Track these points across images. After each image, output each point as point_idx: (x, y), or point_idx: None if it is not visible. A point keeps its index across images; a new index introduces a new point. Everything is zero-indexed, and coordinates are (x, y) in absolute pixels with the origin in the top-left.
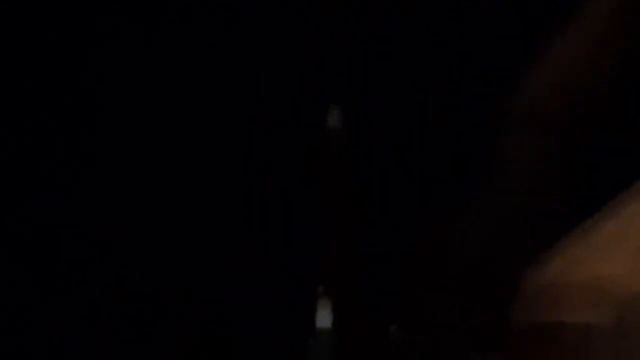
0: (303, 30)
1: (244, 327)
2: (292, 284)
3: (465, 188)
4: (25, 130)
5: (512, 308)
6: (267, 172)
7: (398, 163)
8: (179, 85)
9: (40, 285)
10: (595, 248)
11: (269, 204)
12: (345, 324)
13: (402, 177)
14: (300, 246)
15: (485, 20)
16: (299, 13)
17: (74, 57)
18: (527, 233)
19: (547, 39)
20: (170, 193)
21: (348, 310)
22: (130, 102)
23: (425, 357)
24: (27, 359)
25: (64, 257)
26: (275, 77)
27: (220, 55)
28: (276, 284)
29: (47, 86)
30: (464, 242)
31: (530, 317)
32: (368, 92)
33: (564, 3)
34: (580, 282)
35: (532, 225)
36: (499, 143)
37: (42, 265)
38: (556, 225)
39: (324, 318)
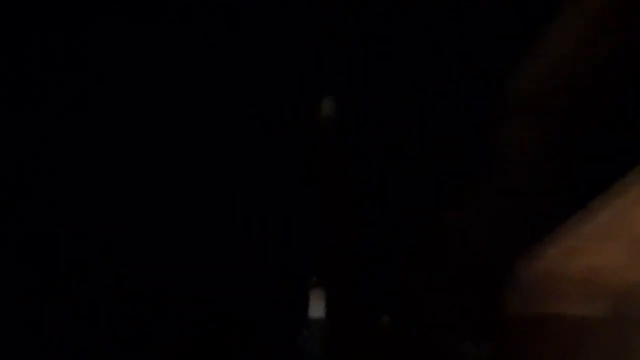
0: (297, 22)
1: (238, 317)
2: (285, 275)
3: (460, 179)
4: (25, 130)
5: (506, 299)
6: (261, 163)
7: (392, 154)
8: (174, 80)
9: (40, 285)
10: (590, 239)
11: (262, 195)
12: (338, 314)
13: (396, 168)
14: (293, 237)
15: (481, 11)
16: (293, 5)
17: (73, 58)
18: (522, 223)
19: (542, 29)
20: (166, 183)
21: (341, 301)
22: (125, 94)
23: (417, 347)
24: (27, 359)
25: (63, 257)
26: (269, 68)
27: (214, 47)
28: (269, 275)
29: (47, 86)
30: (458, 233)
31: (525, 309)
32: (361, 83)
33: None
34: (575, 273)
35: (527, 216)
36: (494, 134)
37: (41, 265)
38: (551, 216)
39: (316, 308)
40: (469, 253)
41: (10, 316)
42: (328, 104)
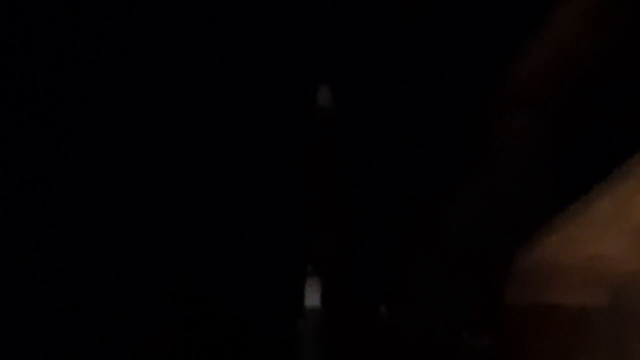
0: (294, 10)
1: (234, 305)
2: (281, 263)
3: (457, 167)
4: (24, 130)
5: (505, 288)
6: (257, 151)
7: (388, 142)
8: (171, 74)
9: (38, 285)
10: (590, 227)
11: (257, 183)
12: (334, 303)
13: (392, 156)
14: (289, 225)
15: (479, 0)
16: None
17: (72, 58)
18: (520, 213)
19: (541, 20)
20: (160, 171)
21: (337, 290)
22: (121, 93)
23: (414, 337)
24: (27, 359)
25: (62, 257)
26: (266, 56)
27: (209, 34)
28: (265, 263)
29: (46, 87)
30: (456, 221)
31: (524, 298)
32: (358, 71)
33: None
34: (574, 262)
35: (525, 205)
36: (492, 122)
37: (40, 264)
38: (550, 204)
39: (312, 297)
40: (466, 243)
41: (9, 316)
42: (324, 93)
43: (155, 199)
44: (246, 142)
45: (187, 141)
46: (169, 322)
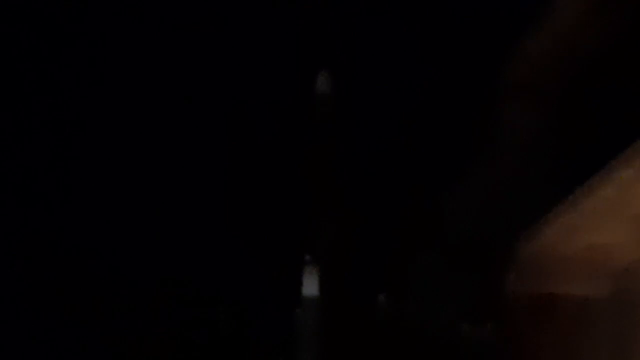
0: None
1: (233, 295)
2: (279, 252)
3: (458, 158)
4: (24, 131)
5: (506, 278)
6: (255, 142)
7: (388, 131)
8: (170, 63)
9: (37, 285)
10: (591, 216)
11: (256, 171)
12: (332, 293)
13: (392, 146)
14: (287, 214)
15: None
16: None
17: (73, 59)
18: (521, 201)
19: (541, 9)
20: (159, 161)
21: (335, 279)
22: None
23: (414, 327)
24: (26, 358)
25: (62, 257)
26: (266, 43)
27: (209, 22)
28: (263, 252)
29: (44, 87)
30: (457, 211)
31: (525, 289)
32: (358, 58)
33: None
34: (575, 252)
35: (526, 194)
36: (493, 111)
37: (39, 264)
38: (550, 193)
39: (310, 286)
40: (467, 232)
41: (8, 316)
42: (324, 79)
43: (154, 189)
44: (244, 133)
45: (185, 129)
46: (166, 312)
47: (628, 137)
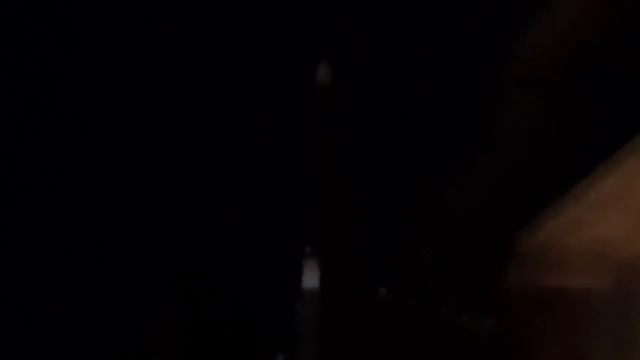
0: None
1: (233, 287)
2: (279, 244)
3: (461, 149)
4: (23, 131)
5: (508, 271)
6: (256, 134)
7: (390, 123)
8: (172, 56)
9: (37, 285)
10: (594, 208)
11: (256, 165)
12: (332, 285)
13: (394, 138)
14: (288, 206)
15: None
16: None
17: (73, 59)
18: (523, 194)
19: (545, 1)
20: (159, 152)
21: (336, 272)
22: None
23: (415, 320)
24: (25, 358)
25: (61, 257)
26: (266, 33)
27: (210, 15)
28: (263, 245)
29: (44, 88)
30: (459, 203)
31: (527, 282)
32: (360, 48)
33: None
34: (578, 244)
35: (529, 186)
36: (497, 102)
37: (38, 264)
38: (553, 185)
39: (311, 279)
40: (469, 225)
41: (8, 315)
42: (324, 69)
43: (156, 182)
44: (244, 126)
45: (186, 123)
46: (167, 304)
47: (631, 129)
